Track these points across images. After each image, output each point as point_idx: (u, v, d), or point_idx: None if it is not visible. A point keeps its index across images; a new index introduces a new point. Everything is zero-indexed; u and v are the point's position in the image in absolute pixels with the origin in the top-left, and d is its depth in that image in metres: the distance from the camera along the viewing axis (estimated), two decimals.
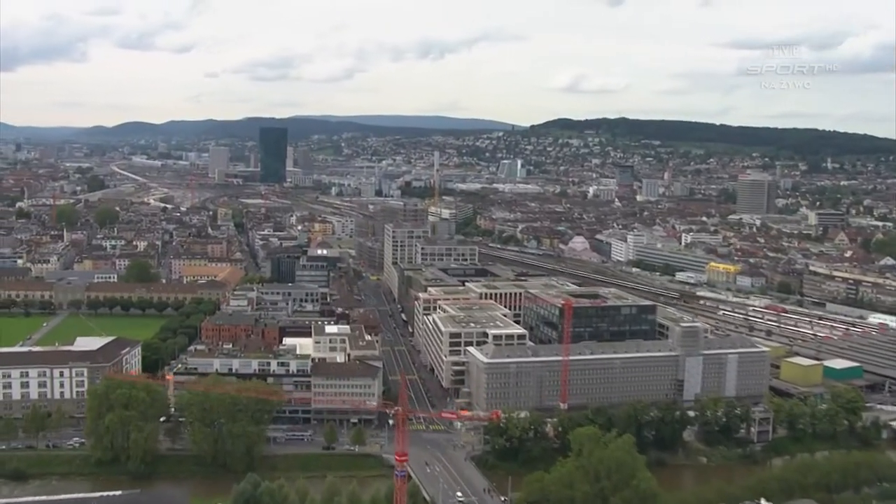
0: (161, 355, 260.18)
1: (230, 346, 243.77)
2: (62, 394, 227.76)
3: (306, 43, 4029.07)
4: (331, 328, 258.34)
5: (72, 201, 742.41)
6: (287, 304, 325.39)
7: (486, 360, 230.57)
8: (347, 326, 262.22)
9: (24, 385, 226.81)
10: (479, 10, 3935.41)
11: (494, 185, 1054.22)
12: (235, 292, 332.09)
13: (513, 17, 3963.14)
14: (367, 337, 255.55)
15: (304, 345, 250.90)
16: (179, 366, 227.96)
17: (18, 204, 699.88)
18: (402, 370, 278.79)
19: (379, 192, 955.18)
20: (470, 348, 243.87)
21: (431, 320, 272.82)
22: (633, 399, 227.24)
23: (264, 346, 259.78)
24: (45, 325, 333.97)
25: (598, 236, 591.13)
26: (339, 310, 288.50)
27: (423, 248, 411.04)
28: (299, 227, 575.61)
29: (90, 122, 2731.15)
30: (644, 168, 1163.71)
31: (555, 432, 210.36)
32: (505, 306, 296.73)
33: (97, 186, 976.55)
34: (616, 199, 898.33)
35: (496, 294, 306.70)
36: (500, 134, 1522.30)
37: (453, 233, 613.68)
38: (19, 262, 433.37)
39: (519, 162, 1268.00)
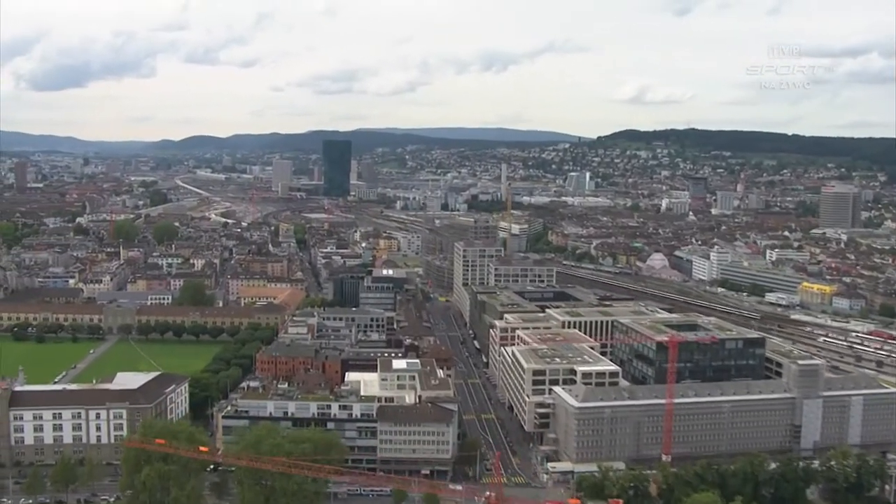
0: (210, 392, 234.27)
1: (286, 384, 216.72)
2: (98, 438, 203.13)
3: (370, 56, 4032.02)
4: (399, 363, 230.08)
5: (132, 216, 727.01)
6: (350, 331, 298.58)
7: (576, 403, 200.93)
8: (417, 360, 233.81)
9: (57, 428, 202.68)
10: (543, 21, 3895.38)
11: (563, 198, 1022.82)
12: (295, 318, 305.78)
13: (577, 29, 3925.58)
14: (440, 373, 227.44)
15: (368, 381, 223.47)
16: (229, 407, 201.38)
17: (78, 219, 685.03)
18: (477, 408, 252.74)
19: (445, 206, 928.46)
20: (556, 388, 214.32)
21: (510, 353, 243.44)
22: (744, 449, 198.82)
23: (325, 381, 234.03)
24: (91, 352, 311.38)
25: (676, 253, 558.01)
26: (408, 340, 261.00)
27: (496, 269, 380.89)
28: (363, 244, 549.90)
29: (158, 137, 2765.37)
30: (715, 180, 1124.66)
31: (658, 490, 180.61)
32: (590, 335, 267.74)
33: (159, 201, 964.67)
34: (690, 213, 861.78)
35: (580, 322, 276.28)
36: (567, 146, 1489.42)
37: (524, 249, 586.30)
38: (71, 282, 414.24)
39: (587, 174, 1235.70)
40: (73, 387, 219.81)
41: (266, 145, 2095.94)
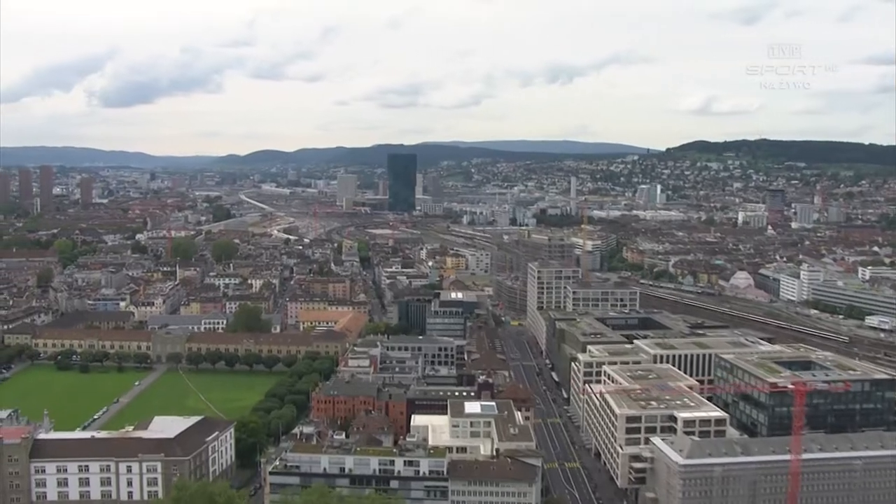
0: (259, 437, 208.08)
1: (343, 434, 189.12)
2: (130, 494, 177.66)
3: (435, 69, 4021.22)
4: (472, 405, 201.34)
5: (192, 233, 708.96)
6: (417, 362, 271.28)
7: (681, 460, 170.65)
8: (492, 403, 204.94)
9: (84, 482, 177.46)
10: (608, 32, 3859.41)
11: (634, 211, 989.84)
12: (356, 348, 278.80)
13: (643, 39, 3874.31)
14: (519, 417, 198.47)
15: (437, 426, 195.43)
16: (278, 461, 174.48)
17: (138, 236, 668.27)
18: (559, 454, 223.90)
19: (513, 221, 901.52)
20: (655, 439, 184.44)
21: (598, 394, 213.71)
22: None
23: (388, 425, 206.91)
24: (137, 383, 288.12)
25: (762, 271, 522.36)
26: (481, 377, 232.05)
27: (574, 293, 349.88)
28: (430, 263, 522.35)
29: (224, 151, 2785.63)
30: (790, 192, 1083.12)
31: None
32: (685, 372, 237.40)
33: (222, 216, 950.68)
34: (769, 227, 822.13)
35: (674, 357, 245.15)
36: (635, 158, 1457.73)
37: (599, 267, 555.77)
38: (122, 304, 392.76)
39: (658, 187, 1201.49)
40: (103, 434, 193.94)
41: (331, 159, 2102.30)
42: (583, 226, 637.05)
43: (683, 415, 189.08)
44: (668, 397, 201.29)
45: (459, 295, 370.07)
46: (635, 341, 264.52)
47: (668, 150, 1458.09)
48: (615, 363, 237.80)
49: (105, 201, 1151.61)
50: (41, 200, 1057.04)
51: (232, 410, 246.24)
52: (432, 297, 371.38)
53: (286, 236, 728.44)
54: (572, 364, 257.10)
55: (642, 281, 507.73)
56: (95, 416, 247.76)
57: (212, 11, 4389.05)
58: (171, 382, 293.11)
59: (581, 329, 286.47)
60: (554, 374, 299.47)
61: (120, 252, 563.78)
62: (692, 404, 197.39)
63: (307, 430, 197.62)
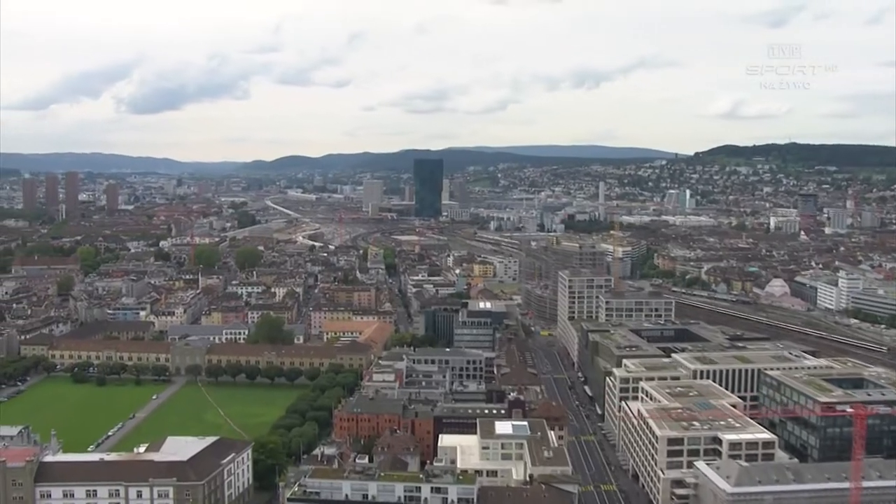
0: (278, 459, 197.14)
1: (366, 459, 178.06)
2: None
3: (461, 74, 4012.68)
4: (503, 425, 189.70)
5: (216, 239, 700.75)
6: (444, 376, 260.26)
7: (729, 488, 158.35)
8: (525, 423, 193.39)
9: None
10: (634, 37, 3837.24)
11: (663, 217, 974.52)
12: (381, 361, 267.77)
13: (669, 44, 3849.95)
14: (552, 438, 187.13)
15: (466, 447, 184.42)
16: (297, 487, 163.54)
17: (161, 243, 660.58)
18: (595, 475, 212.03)
19: (541, 226, 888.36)
20: (699, 464, 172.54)
21: (636, 412, 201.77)
22: None
23: (414, 445, 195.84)
24: (154, 397, 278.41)
25: (798, 279, 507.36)
26: (512, 394, 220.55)
27: (607, 303, 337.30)
28: (457, 271, 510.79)
29: (251, 157, 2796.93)
30: (822, 196, 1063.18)
31: None
32: (726, 387, 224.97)
33: (247, 222, 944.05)
34: (801, 232, 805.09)
35: (715, 372, 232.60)
36: (663, 162, 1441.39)
37: (630, 274, 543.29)
38: (142, 314, 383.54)
39: (687, 192, 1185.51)
40: (113, 457, 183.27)
41: (358, 165, 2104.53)
42: (613, 232, 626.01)
43: (729, 437, 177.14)
44: (710, 417, 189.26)
45: (488, 304, 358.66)
46: (673, 355, 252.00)
47: (696, 154, 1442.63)
48: (653, 379, 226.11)
49: (131, 207, 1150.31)
50: (67, 207, 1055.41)
51: (251, 427, 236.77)
52: (460, 306, 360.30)
53: (311, 243, 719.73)
54: (607, 379, 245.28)
55: (674, 289, 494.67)
56: (109, 433, 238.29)
57: (238, 18, 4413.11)
58: (190, 396, 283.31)
59: (615, 341, 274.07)
60: (587, 388, 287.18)
61: (142, 259, 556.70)
62: (737, 425, 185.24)
63: (329, 451, 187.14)
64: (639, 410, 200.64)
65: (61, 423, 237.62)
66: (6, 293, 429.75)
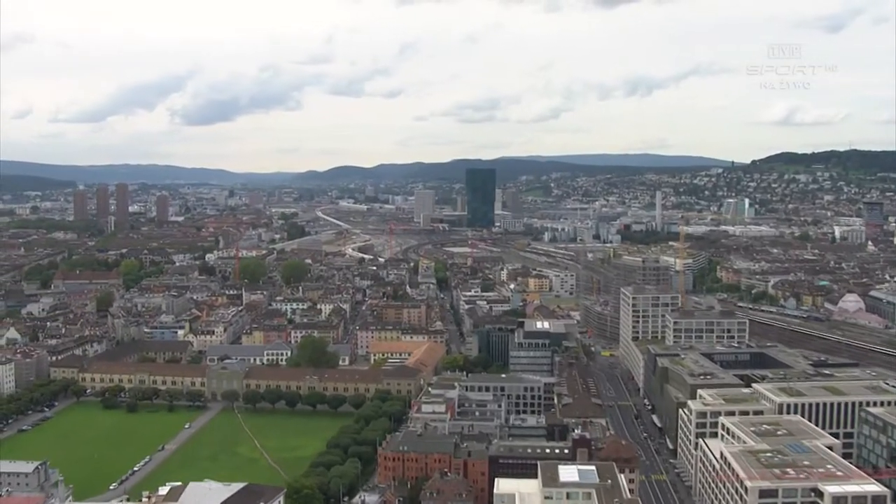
0: None
1: None
2: None
3: (512, 83, 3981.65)
4: (568, 471, 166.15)
5: (264, 252, 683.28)
6: (499, 405, 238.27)
7: None
8: (592, 467, 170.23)
9: None
10: (688, 44, 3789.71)
11: (722, 227, 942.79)
12: (431, 389, 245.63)
13: (722, 51, 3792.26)
14: (623, 485, 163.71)
15: (526, 494, 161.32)
16: None
17: (208, 256, 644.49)
18: None
19: (597, 237, 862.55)
20: None
21: (719, 455, 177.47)
22: None
23: (466, 490, 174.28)
24: (187, 426, 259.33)
25: (872, 293, 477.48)
26: (576, 430, 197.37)
27: (675, 322, 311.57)
28: (512, 286, 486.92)
29: (304, 168, 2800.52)
30: (886, 204, 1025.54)
31: None
32: (815, 423, 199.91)
33: (297, 234, 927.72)
34: (869, 242, 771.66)
35: (804, 406, 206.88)
36: (720, 170, 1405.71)
37: (692, 288, 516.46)
38: (180, 332, 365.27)
39: (746, 201, 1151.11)
40: None
41: (409, 175, 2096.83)
42: (676, 244, 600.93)
43: (832, 489, 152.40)
44: (806, 462, 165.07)
45: (546, 324, 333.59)
46: (754, 385, 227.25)
47: (752, 162, 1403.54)
48: (733, 413, 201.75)
49: (181, 219, 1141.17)
50: (117, 219, 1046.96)
51: (288, 462, 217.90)
52: (516, 325, 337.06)
53: (361, 255, 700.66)
54: (680, 411, 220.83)
55: (741, 304, 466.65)
56: (135, 468, 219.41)
57: (290, 30, 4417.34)
58: (225, 425, 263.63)
59: (687, 367, 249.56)
60: (655, 419, 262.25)
61: (186, 273, 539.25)
62: (839, 474, 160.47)
63: (371, 499, 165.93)
64: (721, 453, 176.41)
65: (85, 456, 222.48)
66: (42, 310, 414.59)
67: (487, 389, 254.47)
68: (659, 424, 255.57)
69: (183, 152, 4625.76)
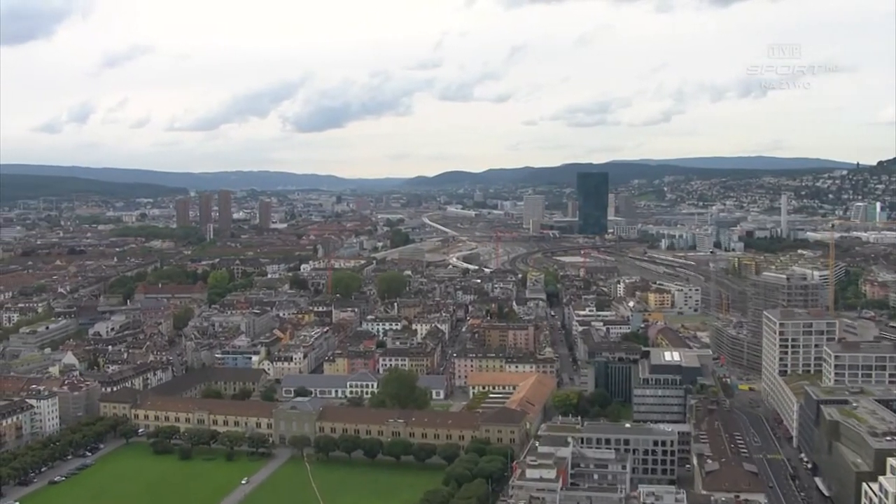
0: None
1: None
2: None
3: (623, 86, 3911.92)
4: None
5: (362, 262, 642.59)
6: (623, 466, 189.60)
7: None
8: None
9: None
10: (805, 43, 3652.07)
11: (853, 232, 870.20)
12: (539, 445, 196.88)
13: (839, 49, 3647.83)
14: None
15: None
16: None
17: (303, 266, 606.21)
18: None
19: (717, 244, 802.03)
20: None
21: None
22: None
23: None
24: (244, 481, 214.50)
25: None
26: None
27: (836, 356, 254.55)
28: (631, 303, 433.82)
29: (413, 173, 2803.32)
30: None
31: None
32: None
33: (400, 241, 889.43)
34: None
35: None
36: (844, 172, 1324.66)
37: (833, 304, 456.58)
38: (254, 359, 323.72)
39: (878, 204, 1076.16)
40: None
41: (519, 179, 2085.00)
42: (806, 251, 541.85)
43: None
44: None
45: (675, 355, 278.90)
46: None
47: (879, 163, 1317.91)
48: None
49: (284, 226, 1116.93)
50: (219, 226, 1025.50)
51: None
52: (639, 355, 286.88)
53: (465, 265, 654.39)
54: (864, 486, 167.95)
55: (893, 324, 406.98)
56: None
57: (400, 36, 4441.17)
58: (290, 480, 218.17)
59: (865, 422, 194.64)
60: (819, 483, 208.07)
61: (275, 287, 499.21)
62: None
63: None
64: None
65: None
66: (111, 329, 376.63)
67: (608, 442, 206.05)
68: (826, 493, 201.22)
69: (294, 159, 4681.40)
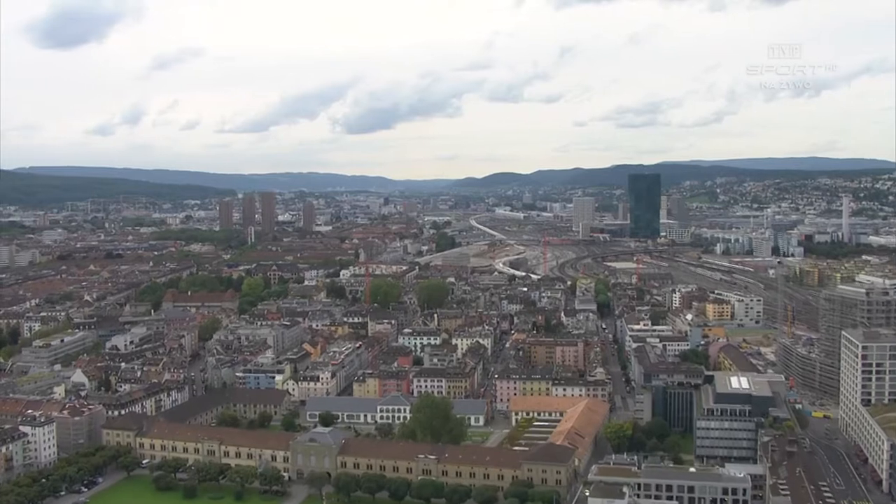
0: None
1: None
2: None
3: (674, 86, 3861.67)
4: None
5: (405, 267, 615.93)
6: None
7: None
8: None
9: None
10: (861, 42, 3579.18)
11: None
12: (591, 495, 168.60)
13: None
14: None
15: None
16: None
17: (343, 272, 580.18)
18: None
19: (776, 249, 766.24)
20: None
21: None
22: None
23: None
24: None
25: None
26: None
27: None
28: (688, 316, 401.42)
29: (462, 174, 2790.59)
30: None
31: None
32: None
33: (446, 245, 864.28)
34: None
35: None
36: None
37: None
38: (278, 378, 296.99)
39: None
40: None
41: (568, 181, 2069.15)
42: (872, 258, 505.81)
43: None
44: None
45: (744, 381, 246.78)
46: None
47: None
48: None
49: (329, 228, 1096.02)
50: (262, 228, 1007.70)
51: None
52: (701, 380, 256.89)
53: (511, 271, 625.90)
54: None
55: None
56: None
57: (450, 36, 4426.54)
58: None
59: None
60: None
61: (310, 295, 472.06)
62: None
63: None
64: None
65: None
66: (130, 342, 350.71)
67: (669, 489, 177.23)
68: None
69: (343, 160, 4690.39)
